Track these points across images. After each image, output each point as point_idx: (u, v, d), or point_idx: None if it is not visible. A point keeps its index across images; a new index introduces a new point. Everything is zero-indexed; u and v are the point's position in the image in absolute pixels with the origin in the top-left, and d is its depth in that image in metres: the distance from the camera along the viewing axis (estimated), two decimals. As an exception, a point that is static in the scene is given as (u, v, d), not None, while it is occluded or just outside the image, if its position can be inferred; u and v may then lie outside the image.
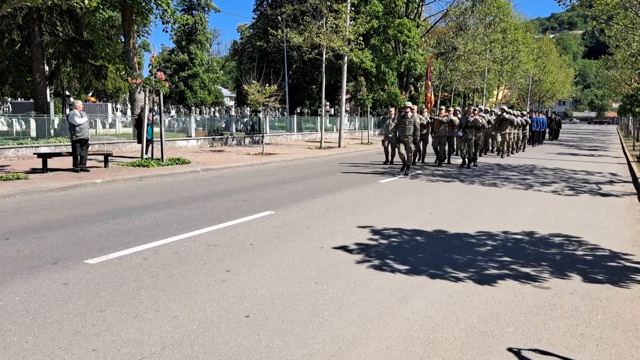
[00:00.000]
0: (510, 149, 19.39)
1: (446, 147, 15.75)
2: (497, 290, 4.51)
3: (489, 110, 19.87)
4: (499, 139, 18.50)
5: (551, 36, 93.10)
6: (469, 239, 6.34)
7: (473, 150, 14.74)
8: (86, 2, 11.08)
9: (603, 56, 35.65)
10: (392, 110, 15.45)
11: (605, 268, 5.27)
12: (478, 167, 14.82)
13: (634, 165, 15.39)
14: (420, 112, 18.01)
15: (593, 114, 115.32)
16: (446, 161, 15.82)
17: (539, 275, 4.93)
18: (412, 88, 38.51)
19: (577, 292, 4.50)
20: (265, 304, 4.07)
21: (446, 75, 38.46)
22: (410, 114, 12.57)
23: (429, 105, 21.67)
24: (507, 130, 18.37)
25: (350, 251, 5.63)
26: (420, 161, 15.95)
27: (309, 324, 3.71)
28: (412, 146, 12.66)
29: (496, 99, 56.04)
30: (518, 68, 47.27)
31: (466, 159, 14.73)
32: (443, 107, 16.18)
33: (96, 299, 4.11)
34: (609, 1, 13.27)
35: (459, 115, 15.76)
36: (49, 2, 10.97)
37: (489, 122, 17.57)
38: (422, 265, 5.15)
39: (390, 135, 14.72)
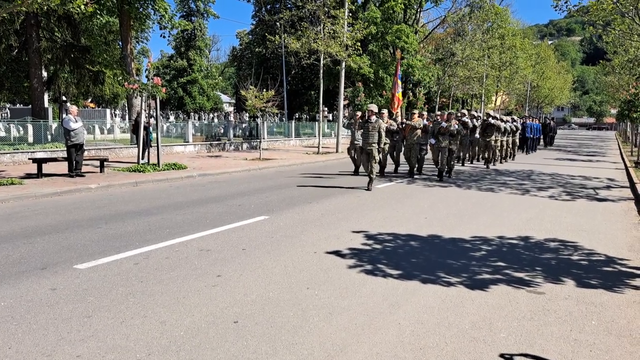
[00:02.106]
0: (497, 157, 17.48)
1: (419, 156, 13.70)
2: (490, 295, 4.45)
3: (475, 115, 17.75)
4: (484, 146, 16.70)
5: (549, 42, 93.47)
6: (463, 243, 6.29)
7: (447, 160, 13.03)
8: (82, 7, 11.06)
9: (601, 62, 35.72)
10: (359, 114, 13.82)
11: (601, 273, 5.22)
12: (474, 173, 14.76)
13: (631, 170, 15.37)
14: (390, 116, 16.12)
15: (591, 120, 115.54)
16: (417, 171, 13.81)
17: (533, 280, 4.88)
18: (411, 94, 38.57)
19: (572, 297, 4.45)
20: (255, 310, 4.02)
21: (444, 81, 38.56)
22: (374, 118, 10.84)
23: (395, 107, 18.93)
24: (493, 137, 16.50)
25: (343, 256, 5.57)
26: (394, 171, 14.10)
27: (299, 330, 3.66)
28: (377, 156, 10.95)
29: (494, 104, 56.15)
30: (516, 74, 47.36)
31: (442, 170, 12.85)
32: (416, 111, 14.12)
33: (83, 305, 4.05)
34: (605, 6, 13.30)
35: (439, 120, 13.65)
36: (45, 8, 10.96)
37: (474, 127, 16.19)
38: (416, 270, 5.10)
39: (357, 143, 12.84)
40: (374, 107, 11.01)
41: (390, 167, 14.22)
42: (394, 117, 15.58)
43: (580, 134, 67.07)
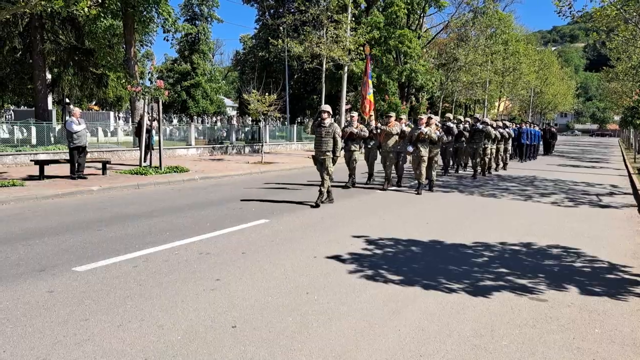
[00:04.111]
0: (487, 167, 15.61)
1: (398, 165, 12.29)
2: (492, 302, 4.40)
3: (461, 120, 16.17)
4: (472, 154, 15.06)
5: (553, 49, 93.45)
6: (465, 249, 6.24)
7: (427, 171, 11.45)
8: (86, 9, 11.08)
9: (604, 68, 35.70)
10: (355, 115, 12.21)
11: (604, 280, 5.16)
12: (476, 179, 14.67)
13: (634, 177, 15.28)
14: (362, 119, 14.35)
15: (595, 126, 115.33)
16: (396, 183, 12.27)
17: (536, 287, 4.83)
18: (413, 98, 38.58)
19: (575, 305, 4.39)
20: (254, 314, 3.97)
21: (447, 86, 38.54)
22: (327, 121, 9.10)
23: (366, 110, 15.83)
24: (481, 144, 14.75)
25: (343, 261, 5.53)
26: (368, 180, 12.56)
27: (297, 335, 3.61)
28: (332, 166, 9.23)
29: (497, 110, 56.09)
30: (519, 79, 47.34)
31: (421, 182, 11.28)
32: (392, 115, 12.13)
33: (81, 308, 4.01)
34: (609, 12, 13.26)
35: (417, 127, 11.51)
36: (49, 9, 10.99)
37: (459, 133, 14.80)
38: (417, 276, 5.05)
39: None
40: (327, 107, 9.34)
41: (361, 177, 12.73)
42: (366, 121, 13.42)
43: (583, 140, 66.92)
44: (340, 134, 9.44)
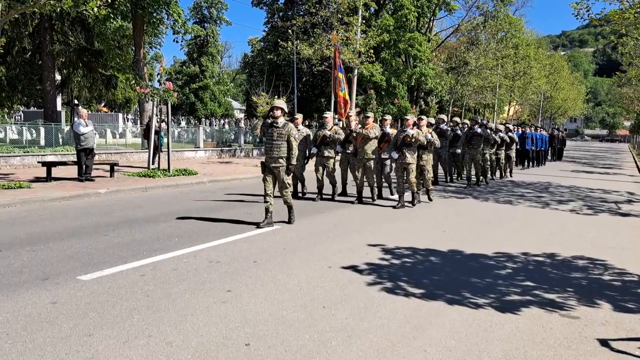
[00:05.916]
0: (485, 175, 14.06)
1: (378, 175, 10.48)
2: (521, 319, 4.13)
3: (458, 122, 14.30)
4: (469, 160, 13.42)
5: (562, 53, 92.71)
6: (486, 260, 5.96)
7: (415, 180, 9.75)
8: (95, 9, 10.94)
9: (617, 73, 35.24)
10: (328, 115, 10.61)
11: (636, 295, 4.87)
12: (489, 184, 14.34)
13: (652, 184, 14.92)
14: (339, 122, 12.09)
15: (604, 132, 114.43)
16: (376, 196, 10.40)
17: (566, 303, 4.55)
18: (423, 102, 38.26)
19: (610, 323, 4.11)
20: (268, 330, 3.72)
21: (457, 90, 38.22)
22: (281, 121, 7.32)
23: (342, 110, 13.48)
24: (480, 150, 13.27)
25: (360, 272, 5.27)
26: (338, 193, 10.75)
27: (316, 356, 3.36)
28: (287, 178, 7.50)
29: (507, 114, 55.64)
30: (530, 84, 46.93)
31: (396, 192, 9.93)
32: (371, 115, 10.17)
33: (85, 321, 3.78)
34: (628, 15, 12.97)
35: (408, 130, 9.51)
36: (58, 9, 10.85)
37: (455, 136, 13.36)
38: (438, 289, 4.78)
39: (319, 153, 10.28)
40: (281, 103, 7.52)
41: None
42: (343, 124, 11.49)
43: (593, 146, 66.23)
44: (296, 136, 7.90)
